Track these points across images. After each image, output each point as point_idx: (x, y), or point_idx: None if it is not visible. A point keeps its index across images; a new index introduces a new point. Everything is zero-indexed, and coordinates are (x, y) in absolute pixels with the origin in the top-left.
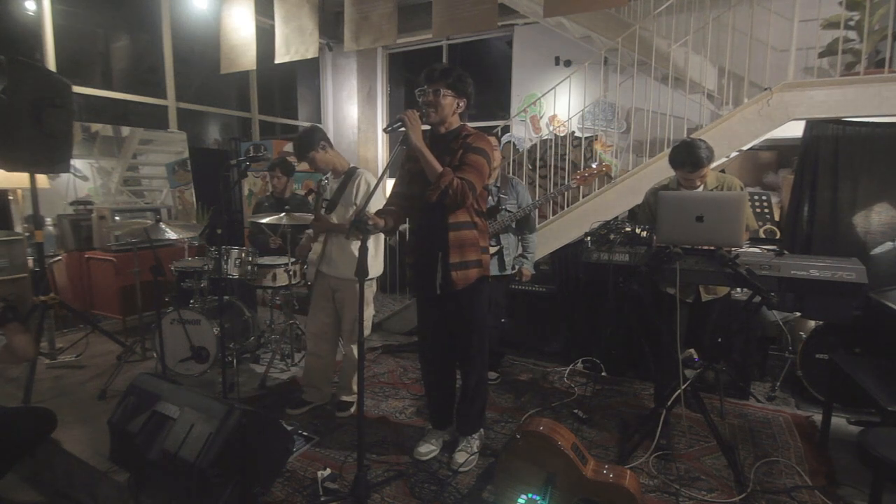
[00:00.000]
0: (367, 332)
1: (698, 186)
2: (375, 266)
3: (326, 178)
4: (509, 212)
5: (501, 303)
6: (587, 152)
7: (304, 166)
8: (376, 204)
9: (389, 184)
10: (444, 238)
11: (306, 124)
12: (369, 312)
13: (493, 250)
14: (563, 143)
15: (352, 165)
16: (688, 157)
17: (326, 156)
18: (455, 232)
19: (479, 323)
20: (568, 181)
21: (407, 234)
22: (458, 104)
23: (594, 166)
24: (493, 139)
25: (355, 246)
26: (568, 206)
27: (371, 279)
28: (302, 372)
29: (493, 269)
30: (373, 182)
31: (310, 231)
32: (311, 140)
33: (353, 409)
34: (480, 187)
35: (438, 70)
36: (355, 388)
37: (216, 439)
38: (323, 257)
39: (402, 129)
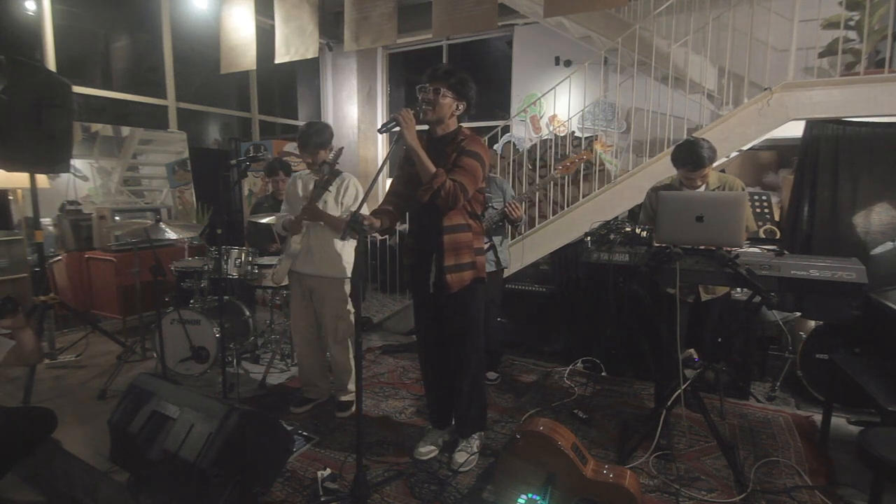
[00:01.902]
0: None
1: (699, 186)
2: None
3: (304, 173)
4: (494, 208)
5: (497, 300)
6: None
7: (301, 166)
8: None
9: (386, 182)
10: (439, 240)
11: None
12: (350, 308)
13: (485, 247)
14: (563, 143)
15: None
16: (689, 156)
17: (327, 156)
18: (450, 234)
19: (473, 324)
20: (568, 180)
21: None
22: (457, 106)
23: (574, 155)
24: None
25: (336, 242)
26: (568, 205)
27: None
28: (298, 373)
29: (489, 266)
30: (360, 187)
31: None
32: (328, 137)
33: (353, 409)
34: (473, 190)
35: (442, 70)
36: (351, 387)
37: (216, 439)
38: (300, 253)
39: (397, 128)
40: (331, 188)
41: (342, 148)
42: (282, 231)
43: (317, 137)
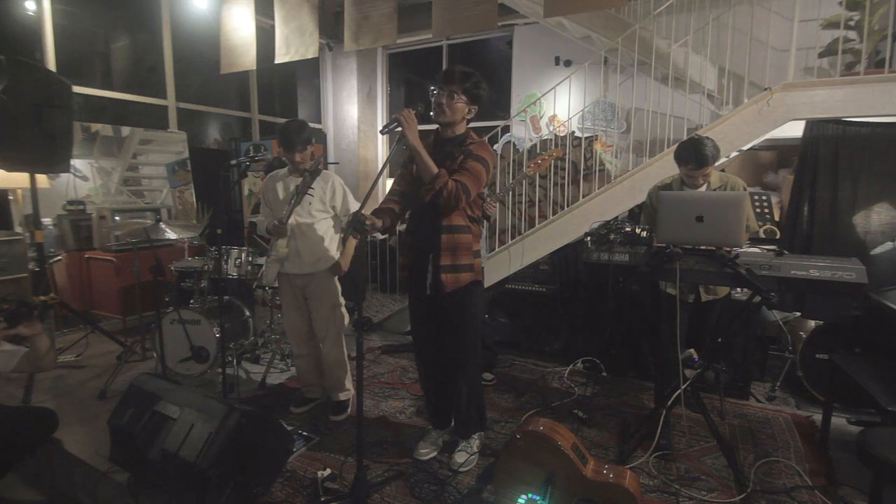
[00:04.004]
0: (346, 322)
1: (701, 185)
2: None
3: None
4: None
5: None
6: (587, 152)
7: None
8: (356, 205)
9: (386, 183)
10: (437, 240)
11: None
12: (341, 300)
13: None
14: (563, 143)
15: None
16: (693, 154)
17: (310, 156)
18: (448, 235)
19: (470, 325)
20: (568, 180)
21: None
22: (469, 110)
23: (545, 153)
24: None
25: (324, 239)
26: (568, 205)
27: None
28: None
29: None
30: (344, 185)
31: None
32: (310, 133)
33: (349, 411)
34: (475, 193)
35: (458, 73)
36: (348, 383)
37: (216, 439)
38: (288, 255)
39: (399, 129)
40: (311, 192)
41: (321, 157)
42: (266, 234)
43: (302, 134)
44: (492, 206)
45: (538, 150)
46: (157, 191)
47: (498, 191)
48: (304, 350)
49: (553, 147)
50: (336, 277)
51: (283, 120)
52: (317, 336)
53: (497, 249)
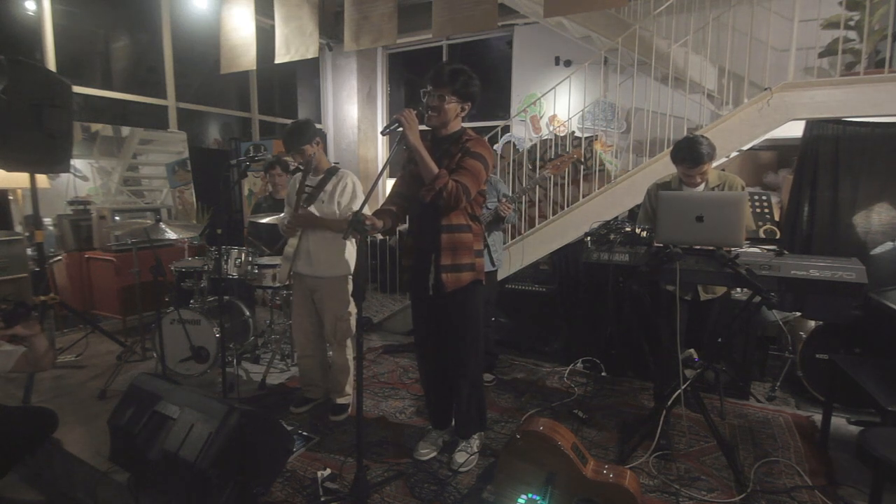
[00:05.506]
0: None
1: (699, 184)
2: (353, 261)
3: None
4: (488, 208)
5: (492, 300)
6: (587, 152)
7: None
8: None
9: (387, 183)
10: (437, 240)
11: None
12: (352, 309)
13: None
14: (563, 143)
15: (334, 164)
16: (689, 152)
17: (317, 151)
18: (449, 234)
19: (471, 326)
20: (568, 180)
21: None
22: (462, 108)
23: (564, 154)
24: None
25: (336, 242)
26: (568, 205)
27: (349, 274)
28: (299, 373)
29: (485, 266)
30: (359, 183)
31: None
32: (310, 132)
33: (349, 412)
34: (475, 192)
35: (446, 73)
36: (348, 388)
37: (216, 439)
38: (299, 255)
39: (400, 129)
40: (317, 191)
41: (311, 156)
42: (283, 233)
43: (297, 136)
44: (507, 208)
45: (538, 151)
46: (157, 191)
47: (516, 191)
48: (309, 351)
49: (556, 147)
50: (349, 286)
51: (283, 120)
52: (325, 338)
53: None
